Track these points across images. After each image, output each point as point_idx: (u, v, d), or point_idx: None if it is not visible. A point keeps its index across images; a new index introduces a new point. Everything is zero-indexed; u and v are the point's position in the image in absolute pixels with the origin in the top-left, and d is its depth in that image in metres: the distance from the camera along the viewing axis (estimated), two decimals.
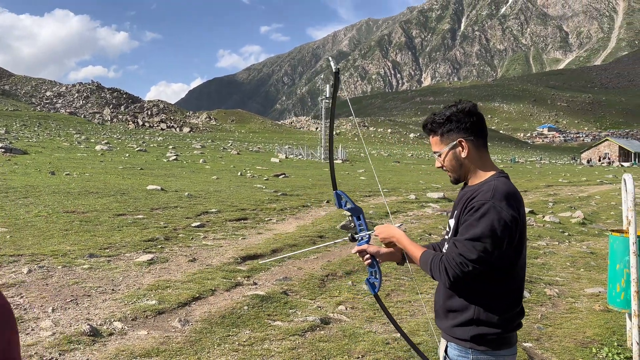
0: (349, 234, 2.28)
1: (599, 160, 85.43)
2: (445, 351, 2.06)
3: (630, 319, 4.39)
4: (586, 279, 7.45)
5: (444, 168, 2.11)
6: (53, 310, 4.42)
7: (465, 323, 1.99)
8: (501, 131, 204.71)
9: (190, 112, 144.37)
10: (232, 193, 13.96)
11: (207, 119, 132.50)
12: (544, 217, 14.00)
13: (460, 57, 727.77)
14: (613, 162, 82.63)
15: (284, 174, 23.30)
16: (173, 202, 11.18)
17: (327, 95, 53.79)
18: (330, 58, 2.20)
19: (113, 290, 5.14)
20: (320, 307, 5.15)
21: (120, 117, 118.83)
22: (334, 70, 2.19)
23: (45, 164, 19.96)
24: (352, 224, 2.32)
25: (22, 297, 4.70)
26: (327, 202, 14.22)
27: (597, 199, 20.17)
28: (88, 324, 4.03)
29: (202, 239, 8.04)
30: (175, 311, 4.64)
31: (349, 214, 2.28)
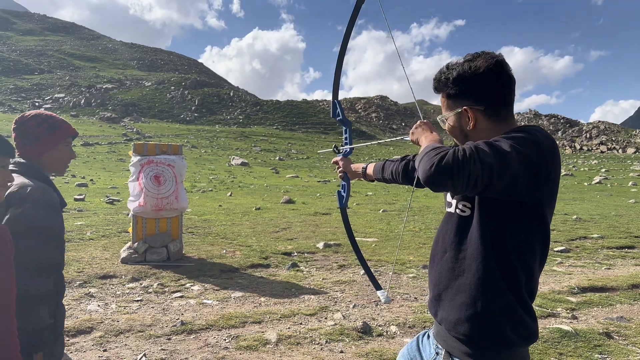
0: (333, 145, 2.32)
1: None
2: None
3: None
4: None
5: (450, 135, 1.58)
6: (354, 306, 5.04)
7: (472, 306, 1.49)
8: None
9: (637, 131, 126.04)
10: None
11: None
12: None
13: None
14: None
15: None
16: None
17: None
18: None
19: (416, 299, 5.36)
20: None
21: (557, 142, 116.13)
22: None
23: None
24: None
25: (342, 292, 5.55)
26: None
27: None
28: (363, 322, 4.41)
29: (557, 264, 7.19)
30: None
31: None
